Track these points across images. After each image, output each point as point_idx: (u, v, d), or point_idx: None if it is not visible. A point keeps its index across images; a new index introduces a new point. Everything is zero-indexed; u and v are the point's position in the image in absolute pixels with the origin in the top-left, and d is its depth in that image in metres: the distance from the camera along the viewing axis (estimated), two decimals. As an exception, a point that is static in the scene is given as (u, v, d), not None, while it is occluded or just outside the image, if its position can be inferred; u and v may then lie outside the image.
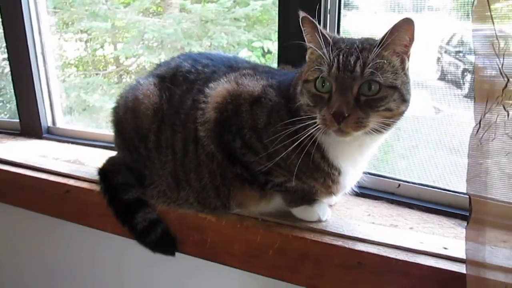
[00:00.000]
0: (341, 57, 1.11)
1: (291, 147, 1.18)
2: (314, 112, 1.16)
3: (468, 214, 1.08)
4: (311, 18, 1.17)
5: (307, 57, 1.23)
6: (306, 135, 1.16)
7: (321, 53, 1.15)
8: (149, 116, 1.46)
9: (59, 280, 2.14)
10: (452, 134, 1.53)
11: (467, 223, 1.08)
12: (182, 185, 1.44)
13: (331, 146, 1.23)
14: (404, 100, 1.15)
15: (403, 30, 1.11)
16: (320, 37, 1.15)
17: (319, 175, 1.27)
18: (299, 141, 1.17)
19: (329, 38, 1.17)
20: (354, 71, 1.10)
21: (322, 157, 1.25)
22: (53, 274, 2.15)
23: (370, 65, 1.09)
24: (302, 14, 1.18)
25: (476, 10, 0.99)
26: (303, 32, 1.20)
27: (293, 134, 1.18)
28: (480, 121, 1.03)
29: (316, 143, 1.21)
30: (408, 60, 1.17)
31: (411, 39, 1.13)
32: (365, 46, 1.13)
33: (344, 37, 1.23)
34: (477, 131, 1.03)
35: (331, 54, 1.13)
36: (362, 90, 1.11)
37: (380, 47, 1.11)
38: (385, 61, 1.12)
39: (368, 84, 1.10)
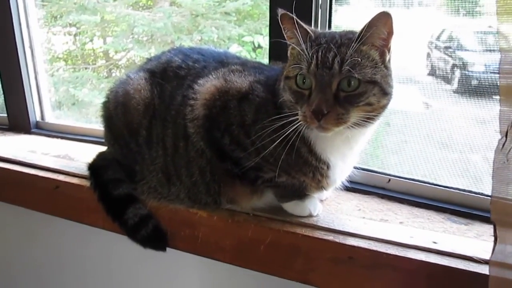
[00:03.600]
0: (319, 53, 1.12)
1: (278, 142, 1.18)
2: (296, 108, 1.16)
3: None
4: (290, 15, 1.17)
5: (288, 53, 1.23)
6: (292, 130, 1.16)
7: (300, 50, 1.15)
8: (140, 111, 1.46)
9: (50, 276, 2.13)
10: (441, 129, 1.54)
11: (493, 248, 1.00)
12: (172, 181, 1.43)
13: (318, 140, 1.24)
14: (385, 93, 1.15)
15: (381, 23, 1.11)
16: (298, 33, 1.15)
17: (307, 170, 1.27)
18: (285, 136, 1.17)
19: (310, 32, 1.17)
20: (332, 68, 1.10)
21: (310, 151, 1.25)
22: (43, 270, 2.14)
23: (348, 61, 1.10)
24: (281, 11, 1.18)
25: (501, 3, 0.93)
26: (283, 29, 1.20)
27: (279, 129, 1.18)
28: (507, 132, 0.92)
29: (303, 137, 1.21)
30: (389, 52, 1.17)
31: (390, 32, 1.14)
32: (344, 41, 1.13)
33: (326, 31, 1.23)
34: (503, 145, 0.93)
35: (310, 51, 1.13)
36: (341, 86, 1.11)
37: (358, 42, 1.11)
38: (364, 56, 1.12)
39: (347, 80, 1.10)
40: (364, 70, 1.11)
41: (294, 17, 1.16)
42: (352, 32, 1.17)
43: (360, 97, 1.12)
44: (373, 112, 1.15)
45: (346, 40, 1.14)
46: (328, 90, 1.11)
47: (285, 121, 1.17)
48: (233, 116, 1.30)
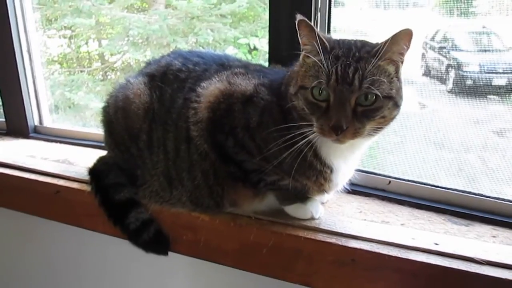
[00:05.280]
0: (339, 68, 1.11)
1: (283, 146, 1.19)
2: (309, 118, 1.17)
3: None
4: (308, 22, 1.16)
5: (300, 58, 1.22)
6: (299, 134, 1.17)
7: (318, 61, 1.14)
8: (140, 116, 1.46)
9: (50, 281, 2.12)
10: (436, 129, 1.56)
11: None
12: (174, 184, 1.44)
13: (323, 145, 1.24)
14: (397, 105, 1.17)
15: (403, 41, 1.13)
16: (318, 43, 1.14)
17: (311, 173, 1.28)
18: (291, 140, 1.18)
19: (326, 42, 1.16)
20: (352, 84, 1.10)
21: (315, 155, 1.25)
22: (44, 275, 2.13)
23: (368, 78, 1.10)
24: (299, 17, 1.16)
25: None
26: (299, 34, 1.19)
27: (285, 134, 1.19)
28: None
29: (309, 141, 1.21)
30: (402, 64, 1.18)
31: (408, 47, 1.15)
32: (363, 55, 1.13)
33: (340, 40, 1.21)
34: None
35: (329, 63, 1.12)
36: (359, 101, 1.12)
37: (377, 58, 1.11)
38: (382, 71, 1.13)
39: (364, 95, 1.11)
40: (382, 86, 1.12)
41: (314, 26, 1.16)
42: (368, 44, 1.17)
43: (376, 111, 1.13)
44: (384, 123, 1.18)
45: (364, 54, 1.14)
46: (347, 105, 1.11)
47: (293, 125, 1.18)
48: (237, 119, 1.30)
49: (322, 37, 1.16)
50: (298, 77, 1.20)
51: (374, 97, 1.11)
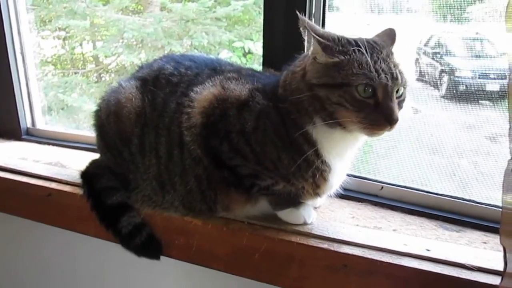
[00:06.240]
0: (383, 64, 1.15)
1: (283, 148, 1.23)
2: (345, 115, 1.16)
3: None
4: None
5: (311, 58, 1.21)
6: (301, 134, 1.21)
7: (360, 58, 1.15)
8: (132, 120, 1.45)
9: (41, 285, 2.11)
10: (429, 134, 1.56)
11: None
12: (167, 189, 1.43)
13: (326, 142, 1.24)
14: None
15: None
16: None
17: (309, 175, 1.27)
18: (291, 141, 1.22)
19: (350, 41, 1.21)
20: (398, 79, 1.15)
21: (316, 154, 1.25)
22: (35, 279, 2.12)
23: (402, 72, 1.17)
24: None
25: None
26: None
27: (284, 136, 1.22)
28: None
29: (312, 141, 1.23)
30: None
31: None
32: (388, 51, 1.20)
33: (350, 38, 1.22)
34: None
35: (372, 61, 1.15)
36: (396, 94, 1.17)
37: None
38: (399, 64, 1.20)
39: (398, 88, 1.17)
40: (407, 78, 1.20)
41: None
42: (380, 41, 1.23)
43: (404, 101, 1.21)
44: None
45: (388, 50, 1.21)
46: (394, 99, 1.16)
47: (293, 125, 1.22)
48: (232, 124, 1.29)
49: (343, 37, 1.21)
50: (332, 73, 1.18)
51: (403, 89, 1.19)
